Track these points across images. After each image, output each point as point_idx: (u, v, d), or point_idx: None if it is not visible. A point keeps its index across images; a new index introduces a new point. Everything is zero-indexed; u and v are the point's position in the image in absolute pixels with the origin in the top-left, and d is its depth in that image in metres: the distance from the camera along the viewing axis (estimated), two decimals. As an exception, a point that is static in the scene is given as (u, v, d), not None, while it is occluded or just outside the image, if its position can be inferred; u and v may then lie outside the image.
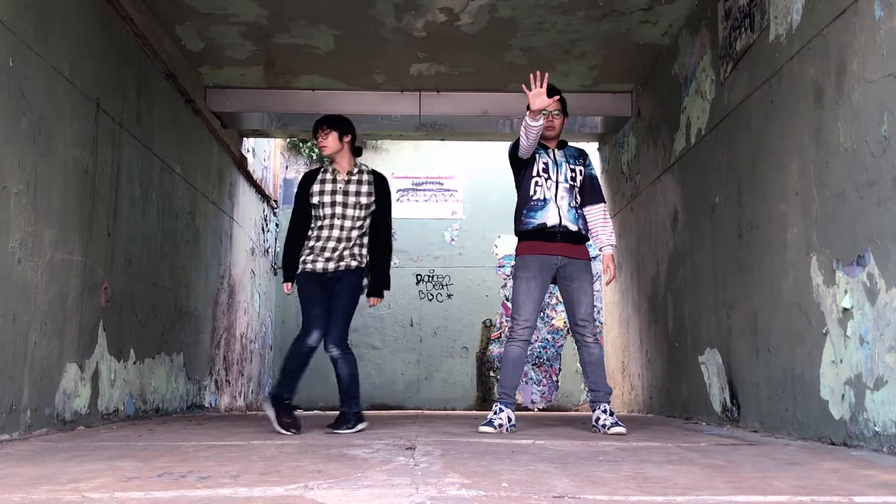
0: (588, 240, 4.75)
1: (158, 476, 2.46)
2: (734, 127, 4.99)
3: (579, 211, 4.70)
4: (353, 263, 4.51)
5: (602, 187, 8.58)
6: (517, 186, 4.76)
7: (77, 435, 4.20)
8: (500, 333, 11.50)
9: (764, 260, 4.48)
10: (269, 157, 10.98)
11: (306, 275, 4.52)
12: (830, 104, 3.75)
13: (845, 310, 3.56)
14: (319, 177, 4.63)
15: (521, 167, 4.70)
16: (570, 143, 4.90)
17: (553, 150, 4.74)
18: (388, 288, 4.71)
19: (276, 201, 11.39)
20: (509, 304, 11.53)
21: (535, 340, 11.48)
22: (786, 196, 4.20)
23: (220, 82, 7.47)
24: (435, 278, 11.68)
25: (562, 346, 11.47)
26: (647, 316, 7.12)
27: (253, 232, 9.86)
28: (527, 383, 11.45)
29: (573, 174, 4.70)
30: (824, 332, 3.75)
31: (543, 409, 11.16)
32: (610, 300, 8.81)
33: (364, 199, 4.56)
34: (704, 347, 5.49)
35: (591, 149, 9.70)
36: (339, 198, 4.55)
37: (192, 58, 6.87)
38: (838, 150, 3.66)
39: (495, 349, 11.51)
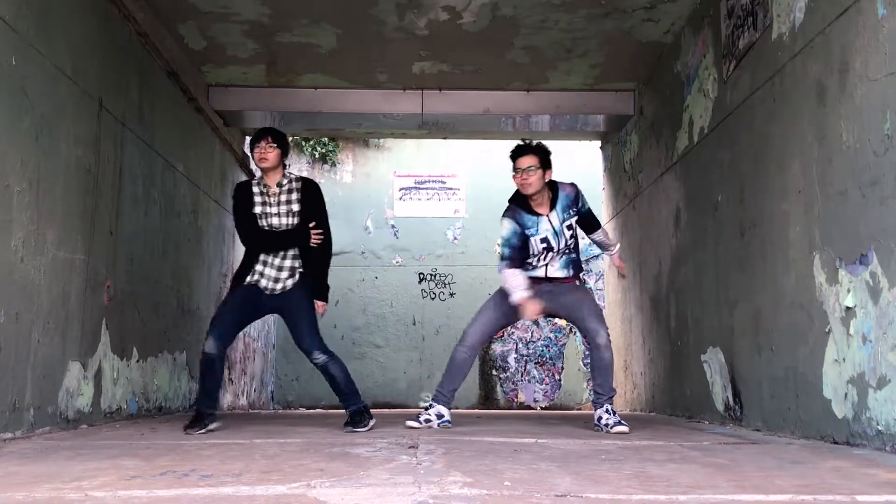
0: (575, 277, 4.82)
1: (161, 474, 2.46)
2: (737, 125, 4.98)
3: (570, 257, 4.78)
4: (293, 281, 4.45)
5: (604, 186, 8.61)
6: None
7: (80, 433, 4.21)
8: (503, 332, 11.49)
9: (766, 258, 4.48)
10: (271, 155, 10.96)
11: (247, 285, 4.46)
12: (833, 103, 3.74)
13: (848, 308, 3.56)
14: (254, 190, 4.53)
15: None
16: (557, 183, 4.76)
17: (548, 216, 4.67)
18: (326, 293, 4.65)
19: (278, 200, 11.39)
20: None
21: (538, 339, 11.48)
22: (788, 195, 4.20)
23: (222, 81, 7.47)
24: (437, 277, 11.67)
25: (564, 344, 11.46)
26: (649, 314, 7.11)
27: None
28: (529, 381, 11.45)
29: (570, 231, 4.73)
30: (827, 330, 3.75)
31: (546, 408, 11.16)
32: (612, 299, 8.81)
33: (295, 207, 4.46)
34: (707, 346, 5.49)
35: (594, 147, 9.71)
36: (271, 209, 4.46)
37: (195, 56, 6.87)
38: (841, 148, 3.65)
39: (498, 348, 11.50)
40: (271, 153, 4.44)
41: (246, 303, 4.47)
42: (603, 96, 7.73)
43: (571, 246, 4.78)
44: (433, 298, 11.63)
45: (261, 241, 4.47)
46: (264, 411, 9.12)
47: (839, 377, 3.64)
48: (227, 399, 8.46)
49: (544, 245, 4.68)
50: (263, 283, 4.44)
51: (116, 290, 5.22)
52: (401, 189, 11.83)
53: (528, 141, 4.75)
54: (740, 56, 4.92)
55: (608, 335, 4.68)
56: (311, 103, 7.67)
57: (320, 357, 4.42)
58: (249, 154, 4.55)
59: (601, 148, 9.29)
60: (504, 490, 2.16)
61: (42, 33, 4.21)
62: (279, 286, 4.44)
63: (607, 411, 4.52)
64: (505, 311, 4.76)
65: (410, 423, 4.64)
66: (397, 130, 8.65)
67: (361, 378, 11.38)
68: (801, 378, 4.01)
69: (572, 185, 4.81)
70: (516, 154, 4.66)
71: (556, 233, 4.68)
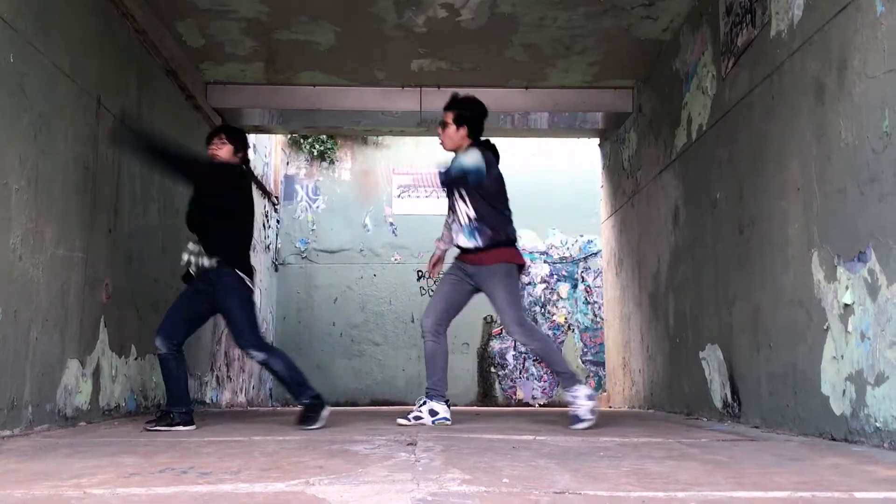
0: (491, 247, 4.58)
1: (160, 472, 2.46)
2: (735, 123, 4.98)
3: (473, 224, 4.59)
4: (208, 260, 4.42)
5: (603, 184, 8.59)
6: None
7: (78, 431, 4.21)
8: (501, 330, 11.49)
9: (765, 256, 4.48)
10: (269, 153, 10.97)
11: (187, 277, 4.54)
12: (832, 100, 3.74)
13: (846, 305, 3.56)
14: None
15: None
16: (488, 144, 4.70)
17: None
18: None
19: (276, 197, 11.40)
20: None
21: (536, 336, 11.47)
22: (787, 192, 4.20)
23: (220, 78, 7.46)
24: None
25: (562, 342, 11.47)
26: (647, 312, 7.12)
27: (254, 228, 9.84)
28: (528, 379, 11.46)
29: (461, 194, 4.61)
30: (825, 327, 3.75)
31: (544, 405, 11.17)
32: (611, 296, 8.81)
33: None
34: (705, 343, 5.49)
35: (592, 145, 9.71)
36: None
37: (193, 54, 6.86)
38: (839, 146, 3.65)
39: (496, 345, 11.51)
40: (223, 149, 4.55)
41: (190, 296, 4.46)
42: (601, 94, 7.73)
43: (470, 204, 4.59)
44: (432, 296, 11.62)
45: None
46: (263, 408, 9.12)
47: (837, 374, 3.64)
48: (225, 396, 8.46)
49: (448, 213, 4.79)
50: (188, 259, 4.44)
51: (115, 288, 5.22)
52: (399, 187, 11.83)
53: (453, 95, 4.74)
54: (739, 53, 4.91)
55: (525, 335, 4.60)
56: (309, 101, 7.66)
57: (258, 355, 4.39)
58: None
59: (599, 145, 9.28)
60: (503, 487, 2.16)
61: (40, 31, 4.21)
62: (203, 261, 4.39)
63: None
64: (449, 282, 4.71)
65: (401, 420, 4.59)
66: (396, 128, 8.64)
67: (360, 375, 11.44)
68: (800, 375, 4.02)
69: (473, 146, 4.63)
70: (445, 108, 4.71)
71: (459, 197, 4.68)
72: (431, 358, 4.76)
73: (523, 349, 11.47)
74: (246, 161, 4.73)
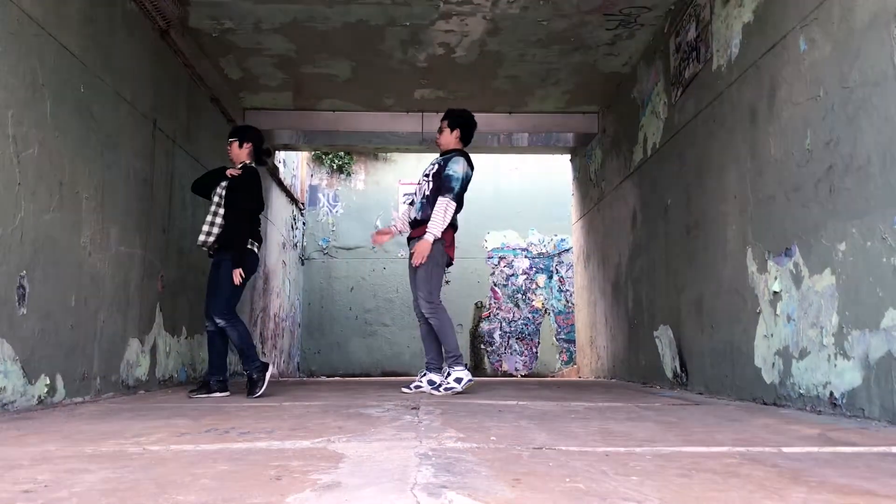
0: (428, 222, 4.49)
1: (206, 432, 2.45)
2: (683, 142, 4.98)
3: (423, 200, 4.57)
4: (207, 238, 4.38)
5: (573, 193, 8.55)
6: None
7: (138, 398, 4.20)
8: (489, 313, 11.49)
9: (708, 252, 4.48)
10: (297, 167, 10.95)
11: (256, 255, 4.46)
12: (763, 122, 3.74)
13: (775, 293, 3.56)
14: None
15: None
16: (463, 152, 4.69)
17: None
18: (239, 261, 4.27)
19: (303, 204, 11.38)
20: (497, 289, 11.56)
21: (519, 318, 11.48)
22: (726, 199, 4.20)
23: (256, 105, 7.44)
24: (435, 267, 11.65)
25: (540, 323, 11.47)
26: (611, 298, 7.12)
27: (284, 229, 9.84)
28: (511, 354, 11.45)
29: (430, 182, 4.60)
30: (758, 311, 3.76)
31: (525, 376, 11.17)
32: (580, 285, 8.81)
33: (220, 191, 4.45)
34: (659, 324, 5.50)
35: (564, 160, 9.69)
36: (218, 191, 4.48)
37: (233, 85, 6.84)
38: (769, 160, 3.65)
39: (485, 326, 11.50)
40: (232, 151, 4.58)
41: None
42: (572, 117, 7.72)
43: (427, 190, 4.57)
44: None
45: (196, 179, 4.66)
46: (291, 379, 9.11)
47: (768, 350, 3.65)
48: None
49: (416, 186, 4.74)
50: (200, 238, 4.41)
51: (168, 279, 5.21)
52: (404, 195, 11.81)
53: (450, 108, 4.84)
54: (686, 84, 4.91)
55: (428, 303, 4.49)
56: (330, 124, 7.65)
57: (220, 322, 4.26)
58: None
59: (571, 160, 9.27)
60: (491, 444, 2.16)
61: (106, 65, 4.19)
62: (200, 238, 4.37)
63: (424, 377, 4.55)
64: (410, 270, 4.63)
65: (404, 389, 4.59)
66: (401, 146, 8.61)
67: (372, 351, 11.43)
68: (737, 351, 4.02)
69: (461, 153, 4.66)
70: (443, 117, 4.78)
71: (425, 172, 4.71)
72: (425, 337, 4.67)
73: (508, 329, 11.47)
74: (258, 150, 4.65)
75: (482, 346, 11.50)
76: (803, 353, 3.30)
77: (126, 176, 4.49)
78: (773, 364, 3.59)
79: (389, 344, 11.45)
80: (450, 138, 4.74)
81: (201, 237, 4.39)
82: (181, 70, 5.54)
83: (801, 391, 3.31)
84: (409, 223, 4.73)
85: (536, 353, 11.45)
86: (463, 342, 11.50)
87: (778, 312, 3.54)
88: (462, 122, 4.74)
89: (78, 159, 3.85)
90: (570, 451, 2.04)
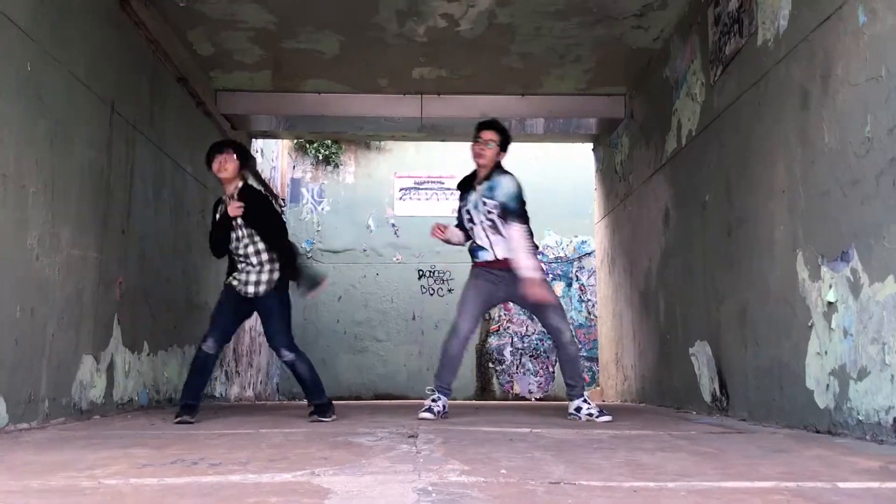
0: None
1: (171, 463, 2.46)
2: (723, 128, 4.98)
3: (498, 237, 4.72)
4: (265, 288, 4.43)
5: (596, 187, 8.57)
6: None
7: (93, 424, 4.20)
8: (499, 327, 11.50)
9: (752, 255, 4.48)
10: (276, 157, 10.97)
11: (229, 286, 4.51)
12: (816, 106, 3.74)
13: (830, 303, 3.56)
14: (224, 200, 4.52)
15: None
16: (504, 170, 4.83)
17: (477, 189, 4.79)
18: (296, 279, 4.55)
19: (283, 200, 11.40)
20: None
21: (533, 333, 11.48)
22: (773, 194, 4.20)
23: (229, 86, 7.46)
24: (436, 274, 11.68)
25: (558, 338, 11.46)
26: (639, 309, 7.12)
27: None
28: (524, 374, 11.46)
29: (490, 211, 4.71)
30: (810, 324, 3.75)
31: (540, 399, 11.17)
32: (604, 294, 8.81)
33: (240, 221, 4.43)
34: (695, 339, 5.49)
35: (586, 149, 9.70)
36: (233, 224, 4.45)
37: (203, 62, 6.86)
38: (823, 150, 3.65)
39: (494, 342, 11.51)
40: (230, 165, 4.43)
41: (235, 304, 4.50)
42: (595, 100, 7.72)
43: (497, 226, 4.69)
44: (432, 294, 11.64)
45: (210, 243, 4.60)
46: (270, 402, 9.12)
47: (821, 369, 3.64)
48: (234, 391, 8.46)
49: (468, 217, 4.79)
50: (236, 284, 4.47)
51: (128, 287, 5.22)
52: (401, 189, 11.84)
53: (495, 119, 4.91)
54: (727, 61, 4.91)
55: (571, 331, 4.77)
56: (314, 107, 7.66)
57: (288, 355, 4.45)
58: (207, 165, 4.49)
59: (593, 150, 9.28)
60: (500, 477, 2.16)
61: (57, 40, 4.21)
62: (250, 290, 4.43)
63: (585, 401, 4.58)
64: (483, 294, 4.80)
65: (425, 414, 4.55)
66: (397, 133, 8.64)
67: (363, 370, 11.43)
68: (785, 370, 4.02)
69: (510, 176, 4.77)
70: (484, 126, 4.83)
71: (475, 205, 4.74)
72: (456, 359, 4.88)
73: (520, 345, 11.47)
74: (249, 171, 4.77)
75: (490, 365, 11.50)
76: (862, 374, 3.30)
77: (79, 168, 4.50)
78: (828, 386, 3.58)
79: (383, 362, 11.45)
80: (495, 158, 4.80)
81: (251, 288, 4.42)
82: (144, 45, 5.56)
83: (860, 417, 3.30)
84: (496, 261, 4.72)
85: (553, 373, 11.44)
86: (468, 360, 11.51)
87: (833, 326, 3.54)
88: (508, 145, 4.86)
89: (24, 148, 3.86)
90: (592, 486, 2.04)
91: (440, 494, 1.87)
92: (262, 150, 9.73)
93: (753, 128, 4.48)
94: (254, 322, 9.42)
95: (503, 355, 11.53)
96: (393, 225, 11.83)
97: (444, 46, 6.57)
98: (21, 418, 3.80)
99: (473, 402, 9.96)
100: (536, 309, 4.76)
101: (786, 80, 4.07)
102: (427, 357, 11.41)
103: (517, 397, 11.36)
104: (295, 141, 11.60)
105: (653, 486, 2.05)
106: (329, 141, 11.70)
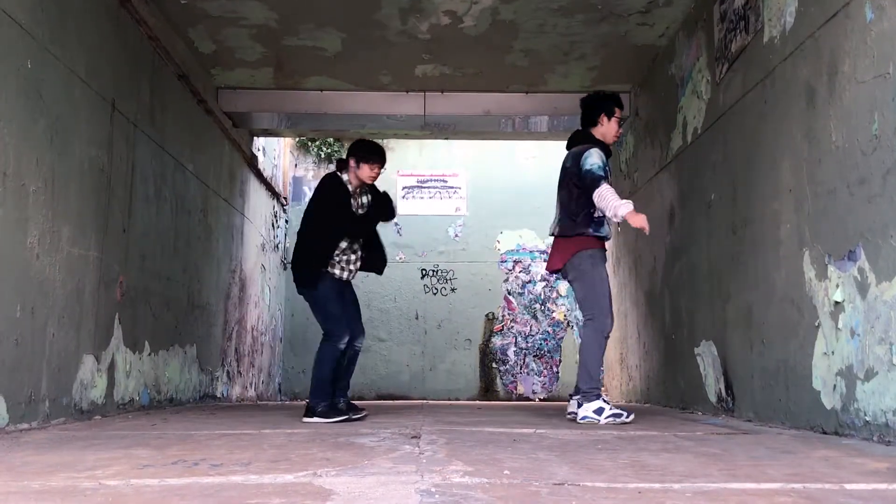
0: (569, 235, 4.81)
1: (172, 464, 2.46)
2: (729, 126, 4.98)
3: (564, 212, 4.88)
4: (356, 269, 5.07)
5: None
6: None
7: (94, 424, 4.21)
8: (503, 326, 11.49)
9: (758, 255, 4.48)
10: (278, 155, 10.98)
11: (336, 279, 4.79)
12: (822, 104, 3.73)
13: (837, 303, 3.55)
14: (347, 188, 4.96)
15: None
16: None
17: None
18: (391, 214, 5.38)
19: (285, 198, 11.40)
20: (511, 298, 11.56)
21: (537, 332, 11.48)
22: (779, 193, 4.19)
23: (230, 83, 7.47)
24: (439, 273, 11.67)
25: (562, 338, 11.46)
26: (644, 309, 7.11)
27: (263, 228, 9.87)
28: (528, 374, 11.45)
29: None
30: (816, 324, 3.75)
31: (544, 400, 11.16)
32: (608, 294, 8.80)
33: (365, 199, 5.15)
34: (700, 339, 5.49)
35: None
36: (357, 209, 5.02)
37: (204, 59, 6.87)
38: (830, 148, 3.65)
39: (497, 341, 11.51)
40: (374, 173, 5.10)
41: (340, 293, 4.82)
42: (599, 98, 7.70)
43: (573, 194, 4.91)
44: (435, 294, 11.63)
45: (361, 225, 5.02)
46: (272, 403, 9.13)
47: (828, 370, 3.64)
48: (235, 391, 8.47)
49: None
50: (338, 272, 4.79)
51: (129, 286, 5.23)
52: (404, 188, 11.83)
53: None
54: (733, 59, 4.91)
55: (584, 319, 4.72)
56: (316, 105, 7.67)
57: (361, 344, 4.90)
58: (356, 165, 5.01)
59: (598, 148, 9.25)
60: (504, 478, 2.16)
61: (57, 37, 4.21)
62: (353, 272, 4.93)
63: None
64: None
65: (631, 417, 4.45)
66: (400, 131, 8.64)
67: (365, 370, 11.41)
68: (792, 370, 4.01)
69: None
70: (620, 104, 5.12)
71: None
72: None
73: (524, 345, 11.46)
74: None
75: (494, 365, 11.49)
76: (870, 374, 3.29)
77: (80, 166, 4.51)
78: (835, 386, 3.58)
79: (385, 362, 11.45)
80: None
81: (354, 268, 4.95)
82: (144, 43, 5.57)
83: (867, 418, 3.30)
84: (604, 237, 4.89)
85: (557, 373, 11.44)
86: (472, 360, 11.51)
87: (840, 326, 3.54)
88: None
89: (24, 147, 3.87)
90: (597, 487, 2.04)
91: (443, 496, 1.87)
92: (263, 149, 9.74)
93: (759, 126, 4.48)
94: (255, 322, 9.44)
95: (507, 355, 11.52)
96: (396, 223, 11.82)
97: (447, 43, 6.57)
98: (21, 418, 3.81)
99: (477, 402, 9.96)
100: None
101: (792, 77, 4.07)
102: (430, 357, 11.42)
103: (521, 398, 11.36)
104: (297, 139, 11.60)
105: (658, 487, 2.05)
106: (331, 139, 11.69)
